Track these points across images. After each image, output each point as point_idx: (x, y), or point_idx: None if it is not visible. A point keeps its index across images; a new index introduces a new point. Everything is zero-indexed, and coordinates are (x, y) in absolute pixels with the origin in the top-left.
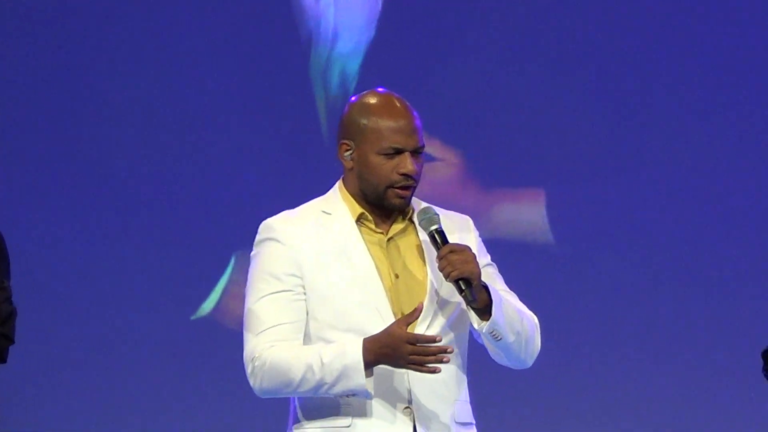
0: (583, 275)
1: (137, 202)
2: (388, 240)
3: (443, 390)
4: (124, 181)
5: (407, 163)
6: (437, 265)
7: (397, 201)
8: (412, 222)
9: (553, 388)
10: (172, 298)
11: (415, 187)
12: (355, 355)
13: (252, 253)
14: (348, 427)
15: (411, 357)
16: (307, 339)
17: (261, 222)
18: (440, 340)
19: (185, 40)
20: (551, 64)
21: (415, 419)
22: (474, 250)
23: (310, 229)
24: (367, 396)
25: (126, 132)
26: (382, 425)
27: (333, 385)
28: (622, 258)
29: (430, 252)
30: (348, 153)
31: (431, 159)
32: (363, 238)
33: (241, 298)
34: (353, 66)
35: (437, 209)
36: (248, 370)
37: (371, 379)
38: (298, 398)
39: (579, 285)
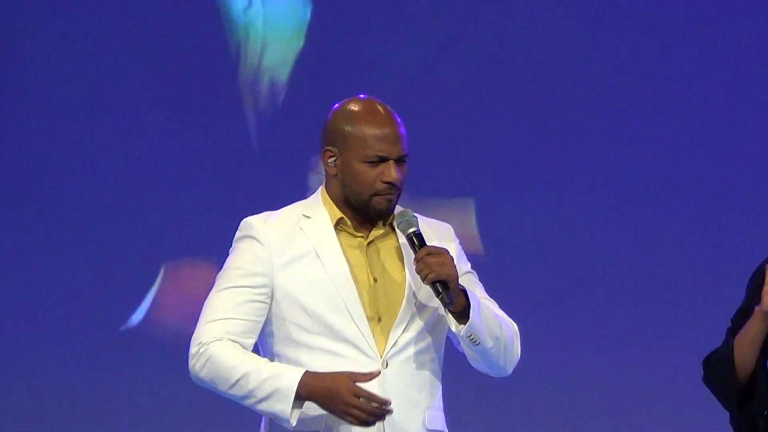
0: (512, 285)
1: (66, 213)
2: (368, 244)
3: (416, 395)
4: (54, 190)
5: (391, 171)
6: (414, 267)
7: (381, 207)
8: (392, 227)
9: (514, 397)
10: (101, 309)
11: (399, 195)
12: (290, 382)
13: (230, 248)
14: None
15: (351, 409)
16: (279, 341)
17: (190, 233)
18: (388, 404)
19: (112, 50)
20: (478, 73)
21: (385, 423)
22: (454, 259)
23: (289, 230)
24: (288, 426)
25: (57, 141)
26: (352, 427)
27: (260, 401)
28: (551, 267)
29: (410, 256)
30: (332, 159)
31: None
32: (341, 241)
33: (170, 308)
34: (282, 76)
35: (420, 218)
36: (192, 350)
37: (298, 411)
38: None
39: (508, 294)
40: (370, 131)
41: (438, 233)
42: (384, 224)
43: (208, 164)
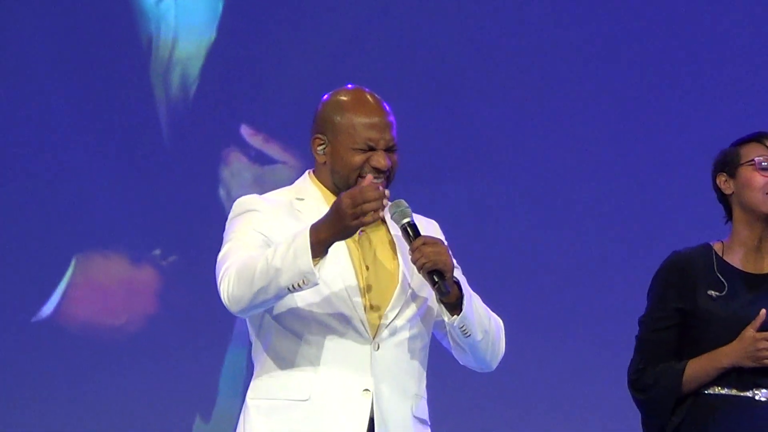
0: None
1: None
2: (360, 232)
3: (405, 379)
4: None
5: (380, 159)
6: (410, 257)
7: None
8: (383, 218)
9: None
10: (11, 301)
11: (388, 183)
12: (302, 235)
13: (228, 226)
14: (306, 400)
15: (352, 211)
16: (273, 309)
17: (101, 225)
18: (383, 189)
19: (23, 42)
20: (392, 65)
21: (374, 403)
22: None
23: (285, 209)
24: (315, 282)
25: None
26: (339, 403)
27: (284, 271)
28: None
29: (402, 246)
30: (321, 147)
31: (273, 162)
32: None
33: (82, 300)
34: (194, 68)
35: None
36: (219, 283)
37: (321, 264)
38: (258, 372)
39: None
40: (359, 120)
41: (425, 227)
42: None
43: (119, 156)
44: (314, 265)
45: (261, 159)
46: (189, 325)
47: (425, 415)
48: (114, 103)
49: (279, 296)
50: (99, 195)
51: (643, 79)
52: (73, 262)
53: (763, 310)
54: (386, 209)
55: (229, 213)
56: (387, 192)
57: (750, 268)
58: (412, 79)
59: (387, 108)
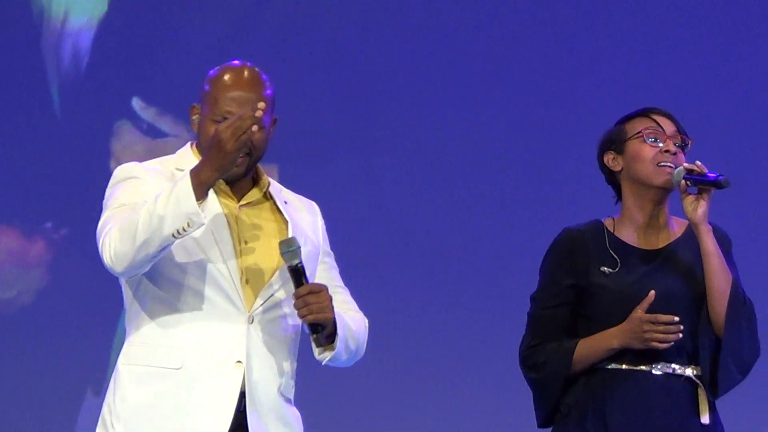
0: None
1: None
2: (240, 207)
3: (278, 354)
4: None
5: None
6: (293, 302)
7: (233, 170)
8: (268, 195)
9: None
10: None
11: (253, 158)
12: (182, 180)
13: (108, 193)
14: (178, 369)
15: (226, 131)
16: (151, 278)
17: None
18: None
19: None
20: (282, 44)
21: (245, 376)
22: (319, 235)
23: (165, 180)
24: (201, 222)
25: None
26: (211, 374)
27: (167, 216)
28: (355, 236)
29: (292, 220)
30: (195, 117)
31: (165, 135)
32: (218, 199)
33: None
34: (85, 41)
35: (287, 191)
36: (102, 246)
37: (204, 206)
38: (131, 337)
39: None
40: (222, 92)
41: (307, 208)
42: (259, 191)
43: (10, 129)
44: (198, 207)
45: (153, 132)
46: (80, 297)
47: (291, 396)
48: (4, 74)
49: (164, 246)
50: None
51: (528, 59)
52: None
53: (652, 292)
54: (279, 244)
55: None
56: (261, 104)
57: (642, 244)
58: (300, 55)
59: (259, 86)
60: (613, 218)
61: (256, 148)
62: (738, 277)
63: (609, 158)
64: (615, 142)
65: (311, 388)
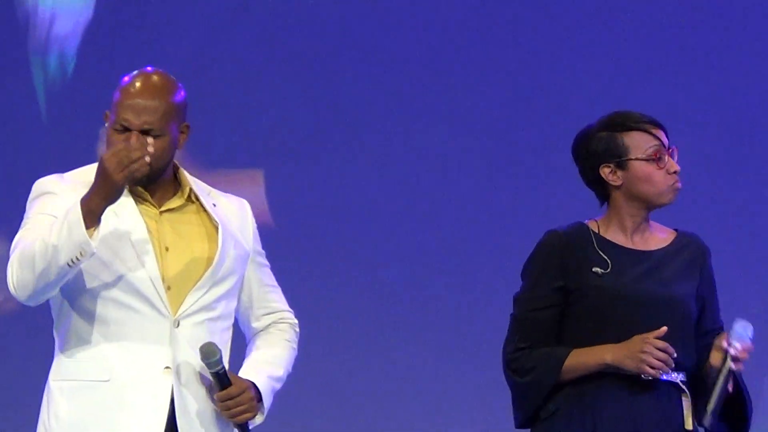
0: (300, 256)
1: None
2: (161, 213)
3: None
4: None
5: (131, 140)
6: (217, 406)
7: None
8: (192, 199)
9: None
10: None
11: (152, 167)
12: (73, 209)
13: (26, 212)
14: (106, 381)
15: (111, 159)
16: (72, 291)
17: None
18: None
19: None
20: (262, 44)
21: (174, 387)
22: (249, 236)
23: (83, 192)
24: (92, 251)
25: None
26: (140, 382)
27: (61, 247)
28: (339, 238)
29: (220, 222)
30: (107, 124)
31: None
32: (137, 207)
33: None
34: (71, 47)
35: (217, 192)
36: (7, 273)
37: (96, 234)
38: (59, 352)
39: (297, 266)
40: (121, 99)
41: (237, 209)
42: (182, 196)
43: None
44: (90, 237)
45: None
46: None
47: None
48: None
49: (62, 275)
50: None
51: (513, 60)
52: None
53: (664, 328)
54: (199, 351)
55: None
56: (150, 140)
57: (631, 245)
58: (284, 56)
59: (164, 92)
60: (596, 220)
61: (156, 159)
62: (718, 308)
63: (607, 172)
64: (614, 156)
65: (291, 387)
